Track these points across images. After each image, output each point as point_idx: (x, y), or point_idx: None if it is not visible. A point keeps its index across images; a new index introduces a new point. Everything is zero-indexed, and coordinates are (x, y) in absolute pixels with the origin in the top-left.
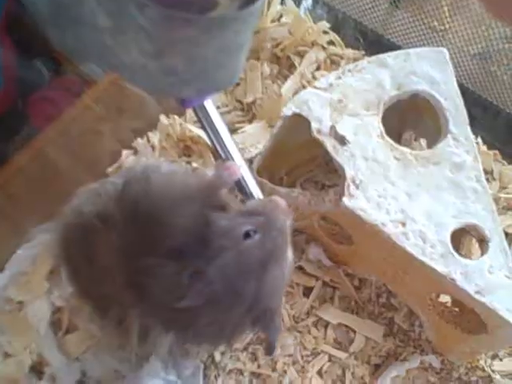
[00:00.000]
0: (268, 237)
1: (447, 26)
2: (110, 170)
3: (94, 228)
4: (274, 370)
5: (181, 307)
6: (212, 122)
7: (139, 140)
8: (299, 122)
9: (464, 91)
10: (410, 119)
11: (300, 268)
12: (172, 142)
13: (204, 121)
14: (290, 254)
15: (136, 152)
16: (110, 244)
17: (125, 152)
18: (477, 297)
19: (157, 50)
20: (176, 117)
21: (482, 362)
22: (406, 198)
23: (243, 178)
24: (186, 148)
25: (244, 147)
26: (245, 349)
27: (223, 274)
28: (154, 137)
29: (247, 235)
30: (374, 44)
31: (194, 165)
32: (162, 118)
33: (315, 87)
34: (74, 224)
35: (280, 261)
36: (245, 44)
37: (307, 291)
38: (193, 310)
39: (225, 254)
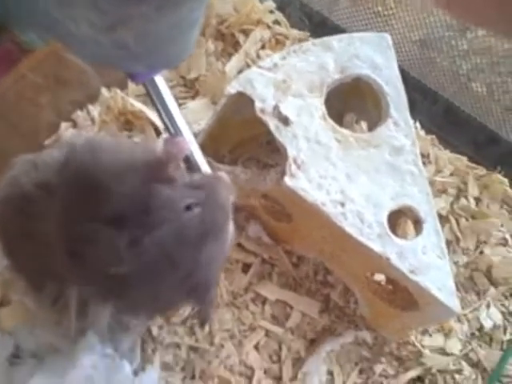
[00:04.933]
0: (209, 211)
1: (391, 12)
2: (47, 142)
3: (32, 198)
4: (211, 344)
5: (116, 274)
6: (162, 97)
7: (79, 112)
8: (243, 101)
9: (405, 76)
10: (352, 102)
11: (239, 245)
12: (113, 115)
13: (154, 96)
14: (230, 229)
15: (75, 125)
16: (49, 213)
17: (64, 124)
18: (410, 276)
19: (108, 25)
20: (118, 90)
21: (412, 338)
22: (346, 180)
23: (192, 154)
24: (127, 122)
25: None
26: (182, 323)
27: (161, 244)
28: (95, 110)
29: (188, 208)
30: (319, 26)
31: (136, 140)
32: (103, 91)
33: (260, 67)
34: (10, 195)
35: (219, 235)
36: (198, 20)
37: (246, 268)
38: (129, 277)
39: (164, 224)
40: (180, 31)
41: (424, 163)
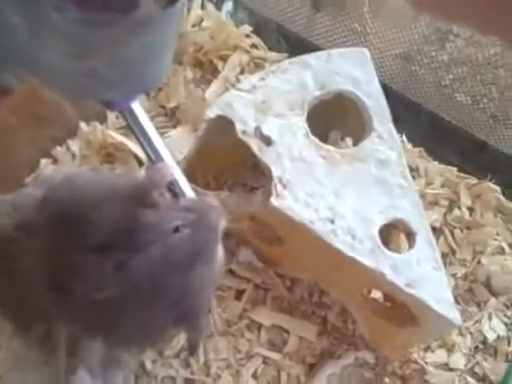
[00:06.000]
0: (198, 233)
1: (368, 28)
2: (28, 180)
3: (12, 239)
4: (207, 375)
5: (103, 302)
6: (141, 124)
7: (58, 148)
8: (224, 125)
9: (387, 91)
10: (335, 119)
11: (231, 271)
12: (93, 149)
13: (132, 124)
14: (220, 253)
15: (55, 161)
16: (30, 252)
17: (43, 161)
18: (407, 289)
19: (76, 53)
20: (97, 123)
21: (415, 355)
22: (334, 196)
23: (176, 180)
24: (109, 155)
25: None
26: (177, 356)
27: (147, 267)
28: (74, 144)
29: (176, 230)
30: (297, 47)
31: (118, 171)
32: (82, 125)
33: (238, 89)
34: None
35: (209, 259)
36: (170, 42)
37: (239, 294)
38: (116, 305)
39: (151, 246)
40: (152, 55)
41: (414, 177)
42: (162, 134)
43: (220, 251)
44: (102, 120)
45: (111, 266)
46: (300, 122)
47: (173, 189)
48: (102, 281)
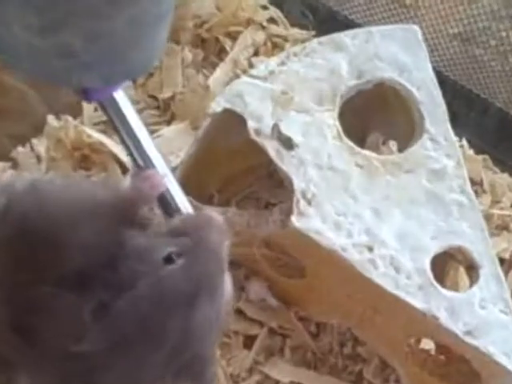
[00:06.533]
0: (197, 261)
1: (420, 1)
2: None
3: None
4: None
5: (80, 352)
6: (125, 118)
7: (20, 149)
8: (232, 122)
9: (443, 80)
10: (376, 116)
11: (239, 311)
12: (64, 150)
13: (115, 119)
14: (227, 285)
15: (16, 165)
16: None
17: (0, 164)
18: (466, 339)
19: (46, 25)
20: (69, 118)
21: None
22: (373, 216)
23: (168, 191)
24: (84, 159)
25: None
26: None
27: (136, 310)
28: (40, 144)
29: (169, 259)
30: (327, 22)
31: (96, 179)
32: (51, 120)
33: (252, 76)
34: None
35: (213, 293)
36: (165, 15)
37: (249, 341)
38: (96, 357)
39: (139, 282)
40: (141, 29)
41: (476, 192)
42: (152, 133)
43: (227, 283)
44: (77, 113)
45: (89, 308)
46: (330, 120)
47: (165, 203)
48: (78, 329)
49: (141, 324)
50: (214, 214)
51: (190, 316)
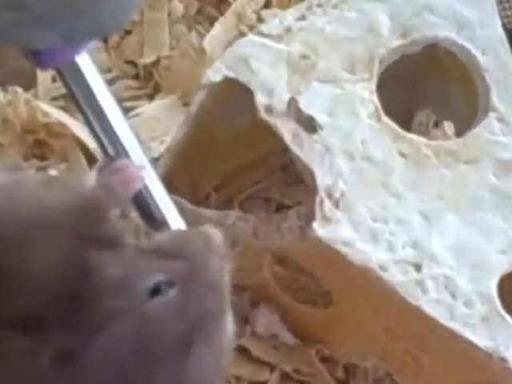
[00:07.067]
0: (192, 294)
1: None
2: None
3: None
4: None
5: None
6: (91, 91)
7: None
8: (235, 95)
9: None
10: (425, 88)
11: (242, 350)
12: (12, 133)
13: (77, 90)
14: (229, 323)
15: None
16: None
17: None
18: None
19: None
20: (19, 90)
21: None
22: (422, 222)
23: (147, 189)
24: (39, 144)
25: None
26: None
27: (112, 359)
28: None
29: (156, 291)
30: None
31: (52, 172)
32: None
33: (261, 34)
34: None
35: (211, 336)
36: None
37: None
38: None
39: (116, 323)
40: None
41: None
42: (128, 110)
43: (229, 321)
44: (29, 85)
45: (48, 357)
46: (366, 93)
47: (143, 206)
48: (34, 381)
49: (116, 379)
50: (213, 229)
51: (184, 367)
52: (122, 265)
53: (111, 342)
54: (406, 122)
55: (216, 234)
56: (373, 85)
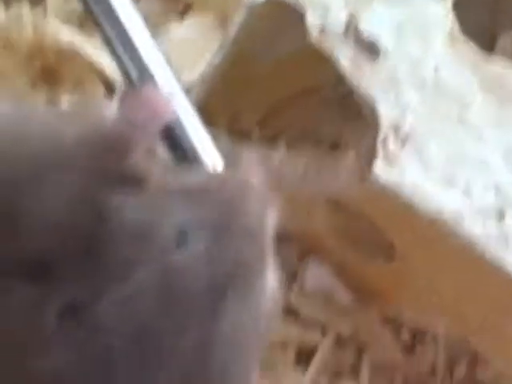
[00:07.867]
0: (226, 243)
1: None
2: None
3: None
4: None
5: (40, 372)
6: (112, 8)
7: None
8: (282, 16)
9: None
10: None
11: (289, 310)
12: (16, 57)
13: (95, 7)
14: (271, 279)
15: None
16: None
17: None
18: None
19: None
20: (24, 5)
21: None
22: (506, 164)
23: (178, 121)
24: (48, 71)
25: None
26: None
27: (128, 315)
28: None
29: (183, 239)
30: None
31: (65, 104)
32: None
33: None
34: None
35: (248, 292)
36: None
37: (304, 356)
38: (66, 381)
39: (136, 274)
40: None
41: None
42: (155, 31)
43: (271, 276)
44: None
45: (55, 310)
46: (439, 10)
47: (173, 143)
48: (37, 337)
49: (134, 337)
50: (255, 170)
51: (213, 327)
52: (145, 208)
53: (130, 296)
54: (488, 46)
55: (258, 175)
56: (448, 2)
